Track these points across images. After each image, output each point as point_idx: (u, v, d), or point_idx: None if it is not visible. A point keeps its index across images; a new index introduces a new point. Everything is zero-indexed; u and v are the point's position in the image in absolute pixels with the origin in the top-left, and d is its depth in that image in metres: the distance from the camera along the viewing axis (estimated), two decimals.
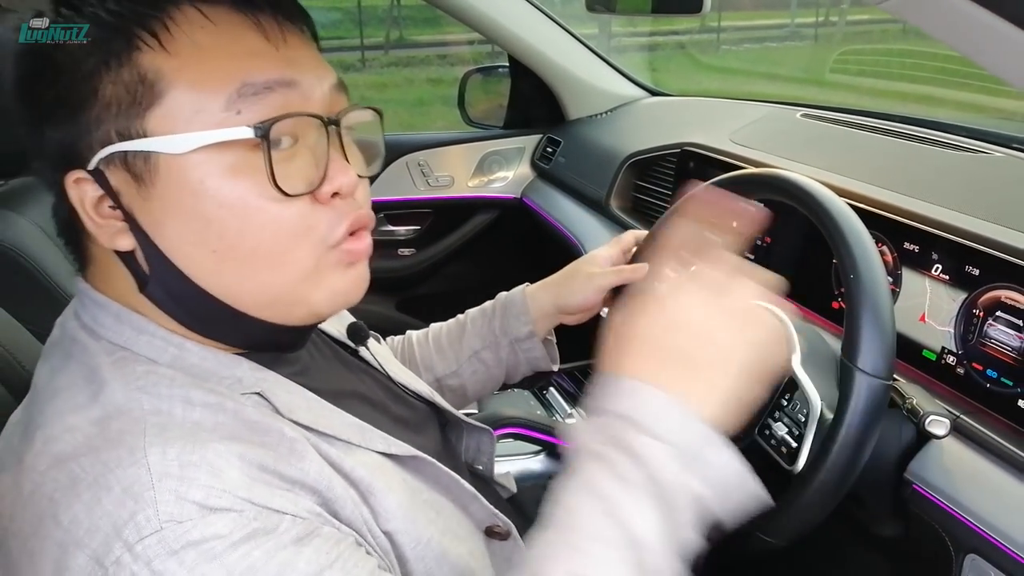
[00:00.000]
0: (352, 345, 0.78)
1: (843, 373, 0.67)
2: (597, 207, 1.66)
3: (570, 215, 1.76)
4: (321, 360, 0.70)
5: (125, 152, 0.51)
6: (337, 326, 0.79)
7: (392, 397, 0.76)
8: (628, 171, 1.58)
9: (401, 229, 2.00)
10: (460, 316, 1.01)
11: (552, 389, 1.50)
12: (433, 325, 1.02)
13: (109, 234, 0.53)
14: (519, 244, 2.07)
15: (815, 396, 0.71)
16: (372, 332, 0.84)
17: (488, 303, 0.99)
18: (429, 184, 1.98)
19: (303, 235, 0.54)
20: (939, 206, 0.94)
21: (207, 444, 0.48)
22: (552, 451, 1.18)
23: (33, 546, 0.47)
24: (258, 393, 0.56)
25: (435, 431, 0.79)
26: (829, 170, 1.13)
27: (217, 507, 0.46)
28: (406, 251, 2.02)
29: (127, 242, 0.53)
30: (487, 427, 0.85)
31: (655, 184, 1.51)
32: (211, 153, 0.51)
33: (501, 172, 2.05)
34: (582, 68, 1.94)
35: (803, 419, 0.71)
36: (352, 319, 0.81)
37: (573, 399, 1.49)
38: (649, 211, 1.53)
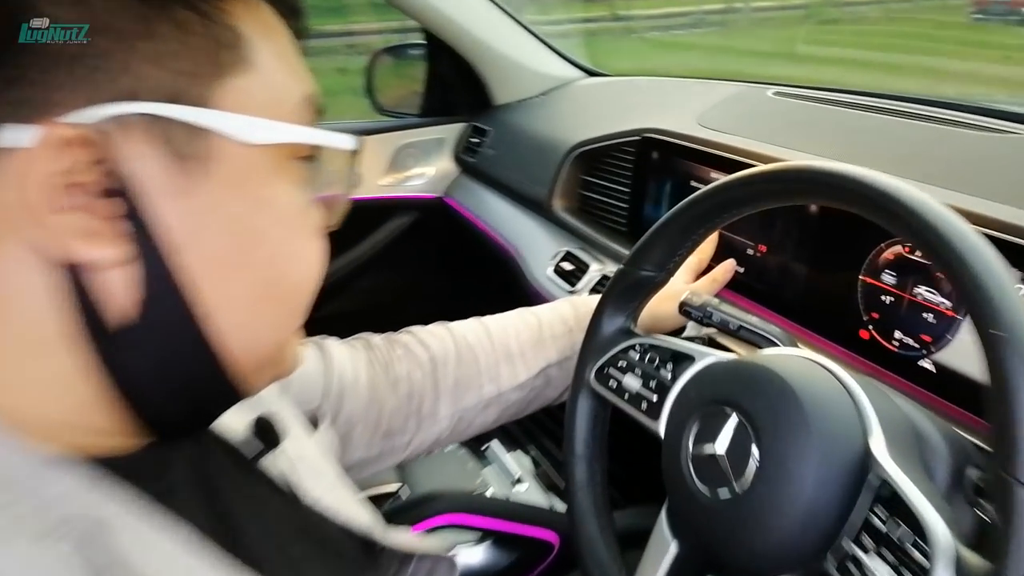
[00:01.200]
0: (254, 448, 0.51)
1: (1000, 491, 0.42)
2: (536, 208, 1.39)
3: (503, 217, 1.48)
4: (204, 471, 0.45)
5: (168, 120, 0.36)
6: (244, 417, 0.51)
7: (306, 527, 0.50)
8: (574, 164, 1.30)
9: None
10: (528, 315, 0.86)
11: (493, 443, 1.23)
12: (489, 320, 0.85)
13: (82, 232, 0.34)
14: (443, 251, 1.78)
15: (937, 521, 0.45)
16: (309, 418, 0.62)
17: (563, 305, 0.87)
18: None
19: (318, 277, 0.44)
20: (990, 200, 0.71)
21: None
22: (498, 539, 0.90)
23: None
24: (87, 527, 0.34)
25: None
26: (829, 157, 0.89)
27: None
28: None
29: (115, 251, 0.35)
30: (448, 556, 0.56)
31: (608, 179, 1.24)
32: (281, 156, 0.40)
33: (418, 168, 1.74)
34: (509, 45, 1.66)
35: (921, 558, 0.45)
36: (263, 409, 0.53)
37: (521, 449, 1.22)
38: (602, 212, 1.26)
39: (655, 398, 0.66)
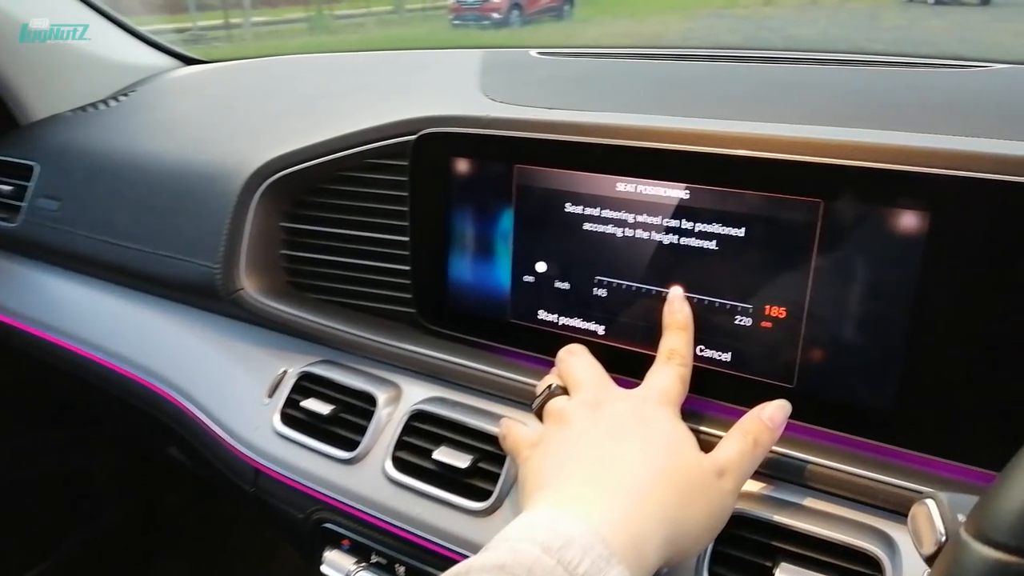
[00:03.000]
0: None
1: None
2: (201, 298, 0.73)
3: (120, 329, 0.79)
4: None
5: None
6: None
7: None
8: (267, 206, 0.69)
9: None
10: None
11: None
12: None
13: None
14: None
15: None
16: None
17: None
18: None
19: None
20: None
21: None
22: None
23: None
24: None
25: None
26: (671, 113, 0.55)
27: None
28: None
29: None
30: None
31: (351, 221, 0.66)
32: None
33: None
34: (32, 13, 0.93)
35: None
36: None
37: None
38: (348, 283, 0.67)
39: None
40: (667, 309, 0.50)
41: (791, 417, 0.50)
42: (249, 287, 0.68)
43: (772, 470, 0.48)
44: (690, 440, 0.44)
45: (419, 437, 0.57)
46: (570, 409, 0.46)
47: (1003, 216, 0.41)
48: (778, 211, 0.47)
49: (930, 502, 0.29)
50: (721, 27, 9.63)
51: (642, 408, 0.45)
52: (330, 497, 0.59)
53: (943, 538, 0.28)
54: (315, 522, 0.61)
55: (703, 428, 0.50)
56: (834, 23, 9.15)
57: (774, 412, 0.46)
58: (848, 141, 0.46)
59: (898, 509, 0.44)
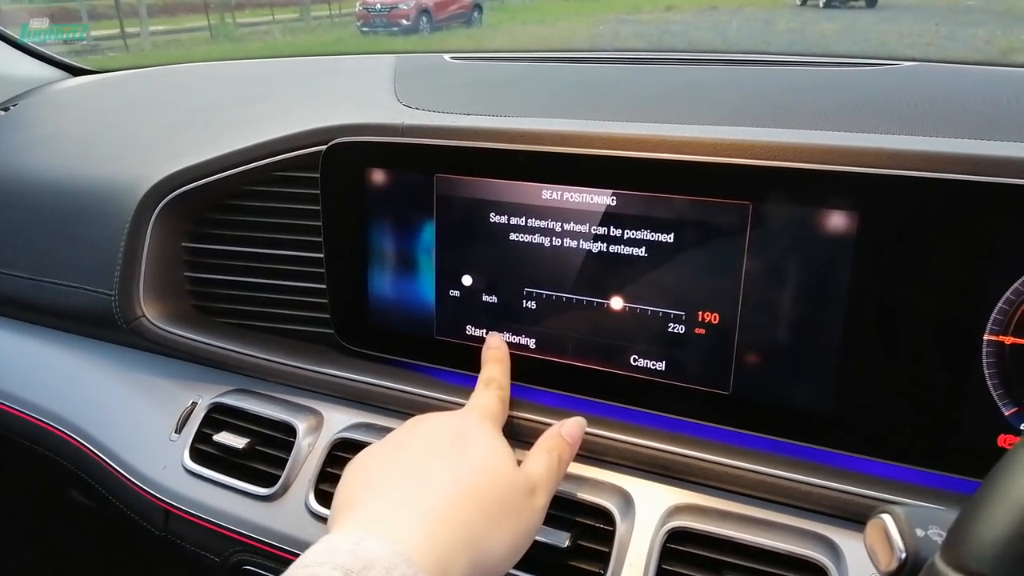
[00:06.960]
0: None
1: None
2: (95, 328, 0.68)
3: (12, 366, 0.72)
4: None
5: None
6: None
7: None
8: (167, 226, 0.63)
9: None
10: None
11: None
12: None
13: None
14: None
15: None
16: None
17: None
18: None
19: None
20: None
21: None
22: None
23: None
24: None
25: None
26: (592, 116, 0.54)
27: None
28: None
29: None
30: None
31: (256, 241, 0.62)
32: None
33: None
34: None
35: None
36: None
37: None
38: (261, 305, 0.63)
39: None
40: (485, 347, 0.53)
41: (728, 424, 0.49)
42: (150, 314, 0.63)
43: (712, 480, 0.47)
44: (507, 455, 0.43)
45: (344, 468, 0.54)
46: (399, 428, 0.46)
47: (930, 213, 0.41)
48: (707, 215, 0.46)
49: (886, 517, 0.28)
50: (627, 32, 9.85)
51: (461, 424, 0.44)
52: (249, 537, 0.55)
53: (903, 556, 0.27)
54: (234, 565, 0.56)
55: (630, 439, 0.49)
56: (732, 27, 9.49)
57: (572, 428, 0.47)
58: (775, 142, 0.45)
59: (841, 514, 0.44)
